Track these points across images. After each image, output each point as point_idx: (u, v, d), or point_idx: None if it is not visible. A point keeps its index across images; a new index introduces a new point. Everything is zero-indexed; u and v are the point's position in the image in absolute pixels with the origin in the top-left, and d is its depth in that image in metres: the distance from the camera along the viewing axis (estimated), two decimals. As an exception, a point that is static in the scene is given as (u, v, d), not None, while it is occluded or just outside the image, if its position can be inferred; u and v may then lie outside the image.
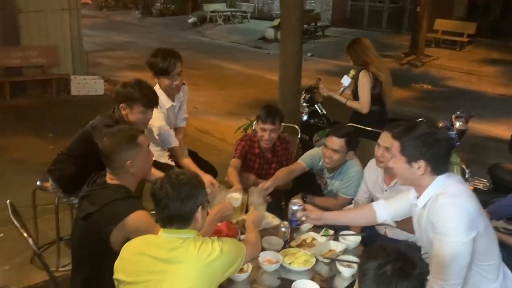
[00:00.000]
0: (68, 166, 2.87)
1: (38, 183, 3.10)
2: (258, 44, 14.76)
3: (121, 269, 1.79)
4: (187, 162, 3.09)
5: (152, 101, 2.76)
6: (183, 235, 1.75)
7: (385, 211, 2.32)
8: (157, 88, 3.12)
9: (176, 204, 1.71)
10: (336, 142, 2.89)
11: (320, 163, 3.12)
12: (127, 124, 2.73)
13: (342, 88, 3.92)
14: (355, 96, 3.87)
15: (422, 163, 1.94)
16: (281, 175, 3.03)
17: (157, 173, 2.52)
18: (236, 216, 2.59)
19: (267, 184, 2.85)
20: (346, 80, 3.88)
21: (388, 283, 1.37)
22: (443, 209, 1.89)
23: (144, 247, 1.77)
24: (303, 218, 2.40)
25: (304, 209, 2.40)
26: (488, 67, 11.23)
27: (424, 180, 1.99)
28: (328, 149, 2.92)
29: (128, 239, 1.88)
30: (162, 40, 14.36)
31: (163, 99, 3.15)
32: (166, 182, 1.74)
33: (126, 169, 2.10)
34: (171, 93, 3.21)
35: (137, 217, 1.98)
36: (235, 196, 2.64)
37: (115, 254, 1.82)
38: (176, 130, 3.38)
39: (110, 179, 2.13)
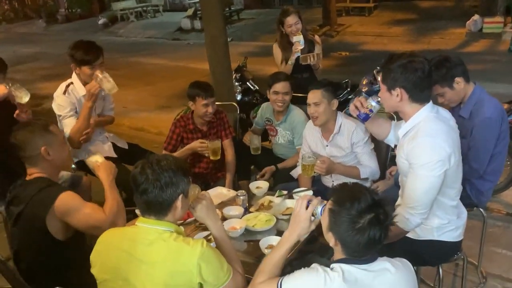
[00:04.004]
0: None
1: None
2: (176, 35, 14.57)
3: (96, 264, 1.72)
4: None
5: None
6: (162, 227, 1.67)
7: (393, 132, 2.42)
8: (74, 77, 3.17)
9: (155, 191, 1.62)
10: (283, 85, 3.29)
11: (268, 115, 3.55)
12: None
13: (300, 48, 3.83)
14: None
15: (399, 90, 2.05)
16: (246, 139, 3.56)
17: None
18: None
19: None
20: (302, 41, 3.83)
21: (363, 232, 1.47)
22: (420, 147, 1.99)
23: (121, 241, 1.69)
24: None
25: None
26: (396, 28, 11.98)
27: (405, 107, 2.09)
28: (279, 94, 3.30)
29: (67, 225, 1.81)
30: (74, 45, 13.64)
31: (78, 87, 3.17)
32: (147, 166, 1.65)
33: (43, 156, 2.05)
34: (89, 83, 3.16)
35: (64, 198, 1.94)
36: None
37: (60, 243, 1.80)
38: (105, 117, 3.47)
39: (29, 174, 2.08)
